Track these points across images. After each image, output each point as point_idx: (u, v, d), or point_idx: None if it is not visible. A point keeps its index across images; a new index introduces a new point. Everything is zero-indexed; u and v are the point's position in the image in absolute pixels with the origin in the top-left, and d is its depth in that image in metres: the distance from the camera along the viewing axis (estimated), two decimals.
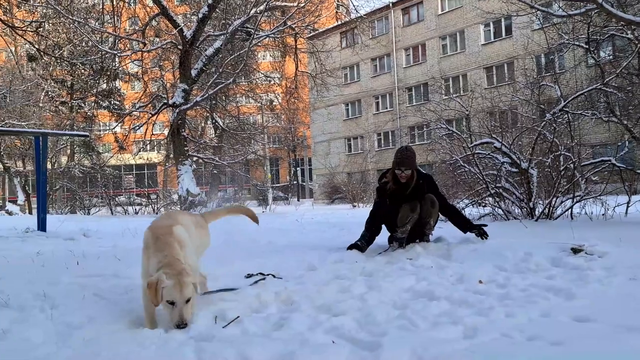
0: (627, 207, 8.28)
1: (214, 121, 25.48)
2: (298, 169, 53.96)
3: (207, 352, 2.36)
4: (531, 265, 4.23)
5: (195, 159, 19.82)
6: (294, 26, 18.71)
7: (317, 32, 26.74)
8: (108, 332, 2.72)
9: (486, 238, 5.35)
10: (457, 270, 4.18)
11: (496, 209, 8.94)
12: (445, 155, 10.81)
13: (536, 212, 8.28)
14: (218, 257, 4.76)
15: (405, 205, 5.33)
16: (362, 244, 5.35)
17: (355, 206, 26.58)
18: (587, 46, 9.37)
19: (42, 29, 14.95)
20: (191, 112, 22.96)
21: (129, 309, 3.14)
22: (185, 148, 17.09)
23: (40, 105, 28.74)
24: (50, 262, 4.68)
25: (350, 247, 5.29)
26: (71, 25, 16.26)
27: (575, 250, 4.43)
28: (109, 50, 15.61)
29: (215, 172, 29.12)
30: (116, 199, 21.23)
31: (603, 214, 8.08)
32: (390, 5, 39.13)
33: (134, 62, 20.51)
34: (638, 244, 4.71)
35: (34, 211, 12.53)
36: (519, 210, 8.62)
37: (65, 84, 30.69)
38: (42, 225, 8.64)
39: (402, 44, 39.12)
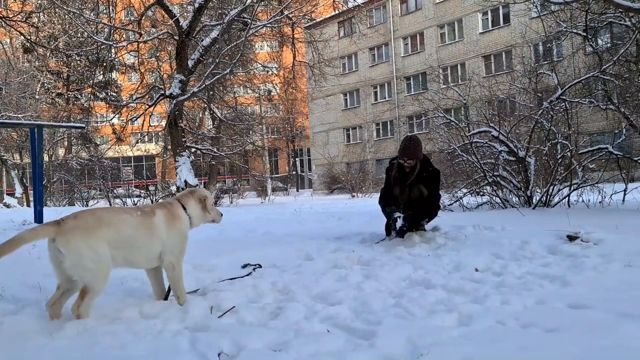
0: (624, 194, 8.28)
1: (211, 112, 25.36)
2: (297, 159, 53.90)
3: (201, 342, 2.37)
4: (527, 253, 4.24)
5: (193, 150, 19.75)
6: (291, 16, 18.58)
7: (314, 21, 26.54)
8: (103, 323, 2.72)
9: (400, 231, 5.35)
10: (453, 259, 4.19)
11: (494, 197, 8.95)
12: (444, 145, 10.78)
13: (533, 200, 8.28)
14: (213, 248, 4.76)
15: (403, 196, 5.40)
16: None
17: (354, 196, 26.55)
18: (585, 34, 9.31)
19: (36, 20, 14.82)
20: (188, 103, 22.84)
21: (125, 300, 3.14)
22: (183, 139, 17.02)
23: (37, 97, 28.56)
24: (46, 255, 4.62)
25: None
26: (66, 16, 16.14)
27: (571, 238, 4.43)
28: (105, 41, 15.50)
29: (213, 163, 29.04)
30: (114, 190, 21.20)
31: (600, 202, 8.09)
32: None
33: (130, 53, 20.38)
34: (634, 231, 4.71)
35: (32, 204, 12.51)
36: (517, 198, 8.62)
37: (61, 75, 30.52)
38: (38, 218, 8.61)
39: (400, 33, 38.90)
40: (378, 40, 38.78)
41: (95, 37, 15.01)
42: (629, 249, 3.97)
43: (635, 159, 8.67)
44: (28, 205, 23.33)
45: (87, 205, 19.66)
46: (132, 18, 18.64)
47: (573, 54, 12.09)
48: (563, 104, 8.47)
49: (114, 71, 26.70)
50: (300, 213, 11.09)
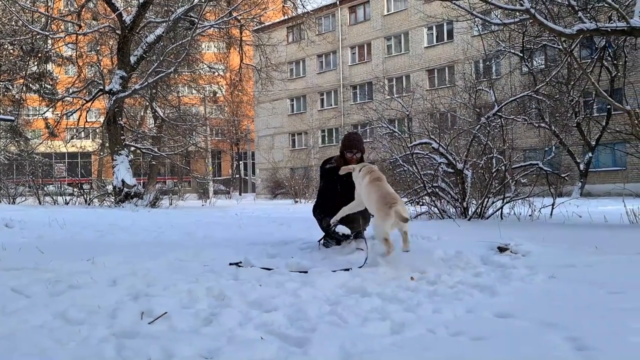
0: (552, 208, 8.75)
1: (153, 111, 24.68)
2: (241, 162, 53.32)
3: (128, 349, 2.27)
4: (461, 262, 4.37)
5: (132, 148, 19.17)
6: (239, 17, 18.44)
7: (263, 25, 26.45)
8: (25, 328, 2.57)
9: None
10: (390, 267, 4.25)
11: (432, 207, 9.20)
12: (386, 154, 11.00)
13: (469, 212, 8.58)
14: (148, 251, 4.60)
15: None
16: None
17: (297, 202, 26.59)
18: (521, 54, 9.82)
19: None
20: (129, 100, 22.16)
21: (49, 304, 2.97)
22: (122, 137, 16.47)
23: None
24: None
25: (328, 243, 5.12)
26: None
27: (502, 249, 4.61)
28: (40, 31, 14.77)
29: (153, 163, 28.26)
30: (45, 188, 20.15)
31: (530, 215, 8.49)
32: (337, 3, 39.35)
33: (68, 45, 19.52)
34: (560, 244, 4.97)
35: None
36: (454, 209, 8.91)
37: None
38: None
39: (348, 42, 39.47)
40: (326, 48, 39.20)
41: (31, 27, 14.27)
42: (554, 261, 4.18)
43: (563, 175, 9.21)
44: None
45: (13, 202, 18.53)
46: (72, 9, 17.85)
47: (510, 72, 12.73)
48: (499, 120, 8.87)
49: (50, 63, 25.45)
50: (242, 217, 10.96)
